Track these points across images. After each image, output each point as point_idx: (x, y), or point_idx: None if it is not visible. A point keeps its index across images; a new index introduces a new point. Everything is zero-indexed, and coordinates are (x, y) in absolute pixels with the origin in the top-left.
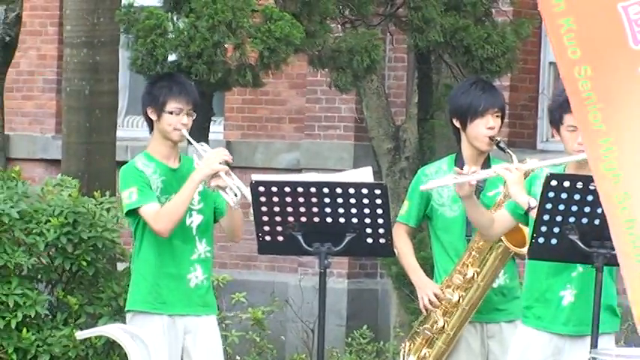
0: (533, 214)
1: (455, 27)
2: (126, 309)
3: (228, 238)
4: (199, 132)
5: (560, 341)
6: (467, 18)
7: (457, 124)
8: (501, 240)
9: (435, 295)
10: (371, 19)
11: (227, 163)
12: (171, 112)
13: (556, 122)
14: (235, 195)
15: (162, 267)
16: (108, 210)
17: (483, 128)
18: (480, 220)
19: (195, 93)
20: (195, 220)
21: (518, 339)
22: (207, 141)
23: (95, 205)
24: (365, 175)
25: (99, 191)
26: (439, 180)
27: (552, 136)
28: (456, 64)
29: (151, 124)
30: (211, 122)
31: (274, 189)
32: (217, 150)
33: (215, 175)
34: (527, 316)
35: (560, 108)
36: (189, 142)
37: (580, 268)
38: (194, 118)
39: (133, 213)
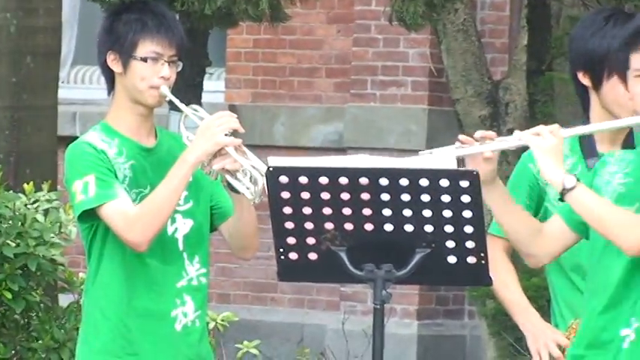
0: (571, 200)
1: None
2: None
3: (235, 253)
4: (187, 91)
5: None
6: None
7: (585, 80)
8: None
9: (559, 347)
10: None
11: (236, 134)
12: (144, 60)
13: (619, 67)
14: (253, 182)
15: (133, 299)
16: (46, 212)
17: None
18: (514, 226)
19: (181, 31)
20: (181, 227)
21: None
22: (199, 104)
23: (26, 205)
24: (446, 160)
25: (32, 183)
26: (433, 153)
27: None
28: None
29: (111, 79)
30: (205, 76)
31: (303, 180)
32: (220, 114)
33: (219, 153)
34: None
35: (625, 45)
36: (173, 107)
37: None
38: (179, 69)
39: (90, 216)
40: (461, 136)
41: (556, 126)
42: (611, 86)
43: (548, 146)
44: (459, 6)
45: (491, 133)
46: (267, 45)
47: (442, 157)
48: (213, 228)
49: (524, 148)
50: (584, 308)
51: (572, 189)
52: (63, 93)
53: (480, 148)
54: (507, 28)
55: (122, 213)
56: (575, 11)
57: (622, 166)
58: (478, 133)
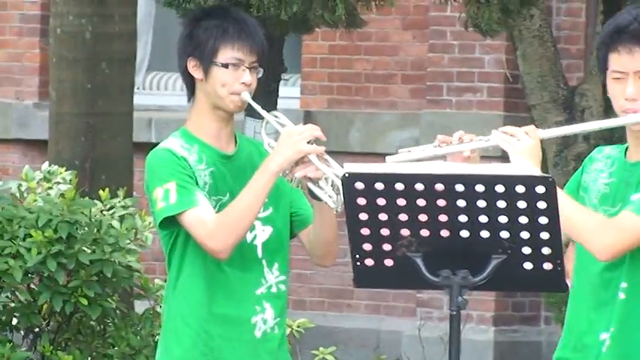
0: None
1: None
2: None
3: (314, 260)
4: (263, 97)
5: None
6: None
7: None
8: None
9: None
10: None
11: (319, 143)
12: (226, 66)
13: (600, 67)
14: (335, 191)
15: (214, 306)
16: (122, 218)
17: None
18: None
19: (262, 37)
20: (260, 234)
21: None
22: (274, 110)
23: (102, 212)
24: (521, 167)
25: (107, 189)
26: (412, 151)
27: None
28: None
29: (192, 85)
30: (281, 82)
31: (380, 186)
32: (302, 125)
33: (302, 160)
34: None
35: (604, 44)
36: (249, 113)
37: (622, 294)
38: (260, 75)
39: (170, 223)
40: (439, 136)
41: (532, 127)
42: None
43: (522, 148)
44: (535, 12)
45: (470, 136)
46: (343, 51)
47: (521, 168)
48: (292, 235)
49: None
50: (569, 310)
51: None
52: (138, 99)
53: (458, 147)
54: (583, 34)
55: (203, 221)
56: None
57: (608, 164)
58: (457, 134)
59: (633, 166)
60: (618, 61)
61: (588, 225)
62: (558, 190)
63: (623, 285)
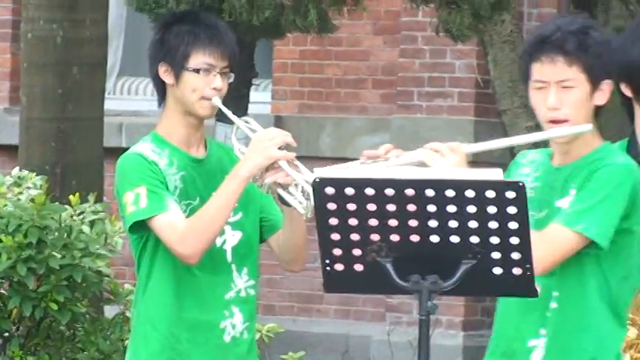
0: None
1: None
2: None
3: (283, 265)
4: (234, 102)
5: None
6: None
7: (627, 91)
8: None
9: None
10: None
11: (289, 148)
12: (197, 71)
13: (522, 76)
14: (305, 197)
15: (183, 311)
16: (92, 223)
17: None
18: None
19: (233, 42)
20: (230, 238)
21: None
22: (246, 115)
23: (72, 217)
24: (491, 172)
25: (78, 194)
26: (333, 168)
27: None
28: None
29: (162, 90)
30: (252, 87)
31: (350, 191)
32: (272, 129)
33: (272, 166)
34: None
35: (527, 54)
36: (220, 118)
37: (554, 303)
38: (231, 80)
39: (140, 227)
40: (365, 152)
41: (457, 143)
42: None
43: (446, 165)
44: (506, 17)
45: (396, 151)
46: (314, 56)
47: (492, 176)
48: (262, 240)
49: None
50: (497, 316)
51: None
52: (109, 104)
53: (384, 164)
54: None
55: (173, 225)
56: (622, 21)
57: (533, 168)
58: (383, 147)
59: (557, 170)
60: (540, 70)
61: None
62: None
63: (555, 294)
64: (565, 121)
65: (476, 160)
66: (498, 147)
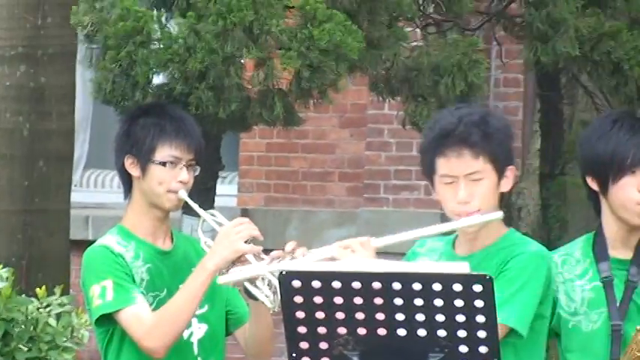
0: None
1: (598, 32)
2: None
3: (250, 358)
4: (200, 195)
5: None
6: (616, 19)
7: (594, 185)
8: None
9: None
10: (468, 20)
11: (256, 242)
12: (163, 164)
13: (426, 171)
14: (272, 291)
15: None
16: (58, 316)
17: (634, 191)
18: None
19: (199, 135)
20: (196, 331)
21: None
22: (212, 208)
23: (38, 309)
24: (458, 265)
25: (44, 287)
26: (243, 270)
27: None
28: (600, 89)
29: (129, 182)
30: (218, 180)
31: (316, 284)
32: (239, 221)
33: (239, 259)
34: None
35: (430, 149)
36: (186, 211)
37: None
38: (197, 173)
39: (107, 320)
40: (272, 253)
41: (366, 238)
42: (616, 190)
43: (361, 260)
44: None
45: (302, 249)
46: (280, 149)
47: (459, 269)
48: (228, 333)
49: None
50: None
51: None
52: (75, 196)
53: (291, 262)
54: (520, 133)
55: (140, 319)
56: (588, 115)
57: (434, 258)
58: (289, 245)
59: (466, 260)
60: (447, 165)
61: None
62: None
63: None
64: (476, 212)
65: (387, 252)
66: (408, 239)
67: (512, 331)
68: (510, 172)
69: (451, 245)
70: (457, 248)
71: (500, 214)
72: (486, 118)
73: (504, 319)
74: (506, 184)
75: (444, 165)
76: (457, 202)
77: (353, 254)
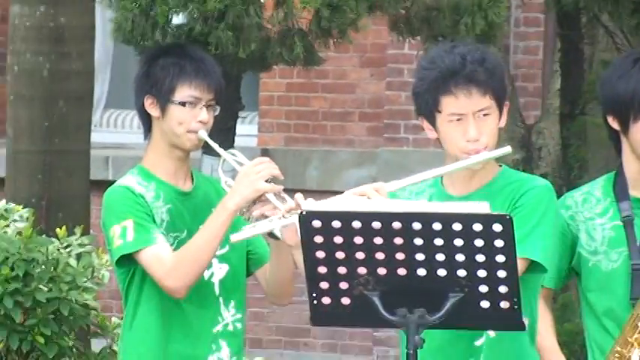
0: None
1: None
2: None
3: (270, 299)
4: (220, 135)
5: None
6: None
7: (614, 124)
8: None
9: None
10: None
11: (276, 181)
12: (183, 104)
13: (427, 110)
14: (295, 230)
15: (170, 344)
16: (79, 256)
17: None
18: None
19: (219, 75)
20: (217, 271)
21: None
22: (232, 148)
23: (58, 250)
24: (479, 205)
25: (64, 227)
26: (256, 226)
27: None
28: (621, 29)
29: (148, 122)
30: (238, 120)
31: (337, 224)
32: (260, 160)
33: (259, 199)
34: None
35: (434, 87)
36: (206, 151)
37: (491, 332)
38: (217, 113)
39: (128, 261)
40: (288, 205)
41: (380, 184)
42: (637, 129)
43: (382, 200)
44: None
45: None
46: (300, 89)
47: (478, 209)
48: (249, 273)
49: None
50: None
51: None
52: (95, 137)
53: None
54: (540, 72)
55: (160, 259)
56: (608, 55)
57: (425, 199)
58: (299, 196)
59: (463, 199)
60: (456, 103)
61: None
62: None
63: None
64: (484, 149)
65: None
66: (420, 180)
67: (535, 267)
68: (506, 108)
69: (439, 186)
70: (449, 188)
71: (509, 148)
72: (486, 54)
73: (528, 252)
74: (503, 120)
75: (452, 103)
76: (466, 139)
77: (369, 200)
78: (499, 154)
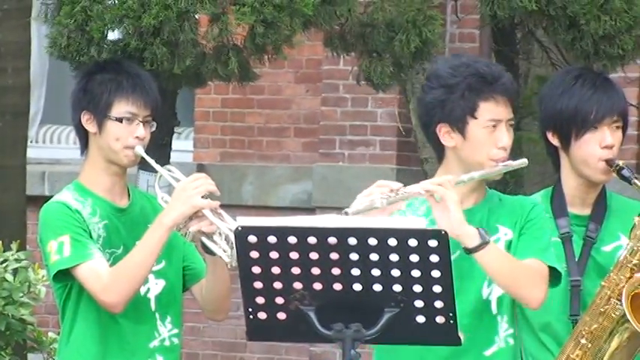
0: (484, 254)
1: None
2: None
3: (206, 314)
4: (156, 150)
5: None
6: None
7: (554, 140)
8: (626, 320)
9: None
10: None
11: (212, 197)
12: (120, 120)
13: (458, 116)
14: (230, 245)
15: (107, 358)
16: (15, 272)
17: (596, 147)
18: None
19: (156, 91)
20: (153, 287)
21: None
22: (168, 164)
23: None
24: (414, 220)
25: (0, 242)
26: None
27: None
28: (556, 44)
29: (85, 138)
30: (174, 136)
31: (272, 239)
32: (196, 176)
33: (196, 215)
34: None
35: (475, 93)
36: (142, 167)
37: (501, 342)
38: (153, 129)
39: (64, 276)
40: (382, 182)
41: (452, 177)
42: (579, 146)
43: (457, 198)
44: (427, 66)
45: (398, 184)
46: (236, 104)
47: (415, 224)
48: (185, 288)
49: None
50: None
51: (487, 243)
52: (32, 152)
53: (399, 197)
54: None
55: (97, 274)
56: (543, 71)
57: (417, 212)
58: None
59: (466, 213)
60: (494, 110)
61: (528, 277)
62: (496, 246)
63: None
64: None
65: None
66: (490, 173)
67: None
68: None
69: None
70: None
71: (525, 161)
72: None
73: (553, 262)
74: None
75: (491, 109)
76: (498, 146)
77: (451, 191)
78: (519, 166)
